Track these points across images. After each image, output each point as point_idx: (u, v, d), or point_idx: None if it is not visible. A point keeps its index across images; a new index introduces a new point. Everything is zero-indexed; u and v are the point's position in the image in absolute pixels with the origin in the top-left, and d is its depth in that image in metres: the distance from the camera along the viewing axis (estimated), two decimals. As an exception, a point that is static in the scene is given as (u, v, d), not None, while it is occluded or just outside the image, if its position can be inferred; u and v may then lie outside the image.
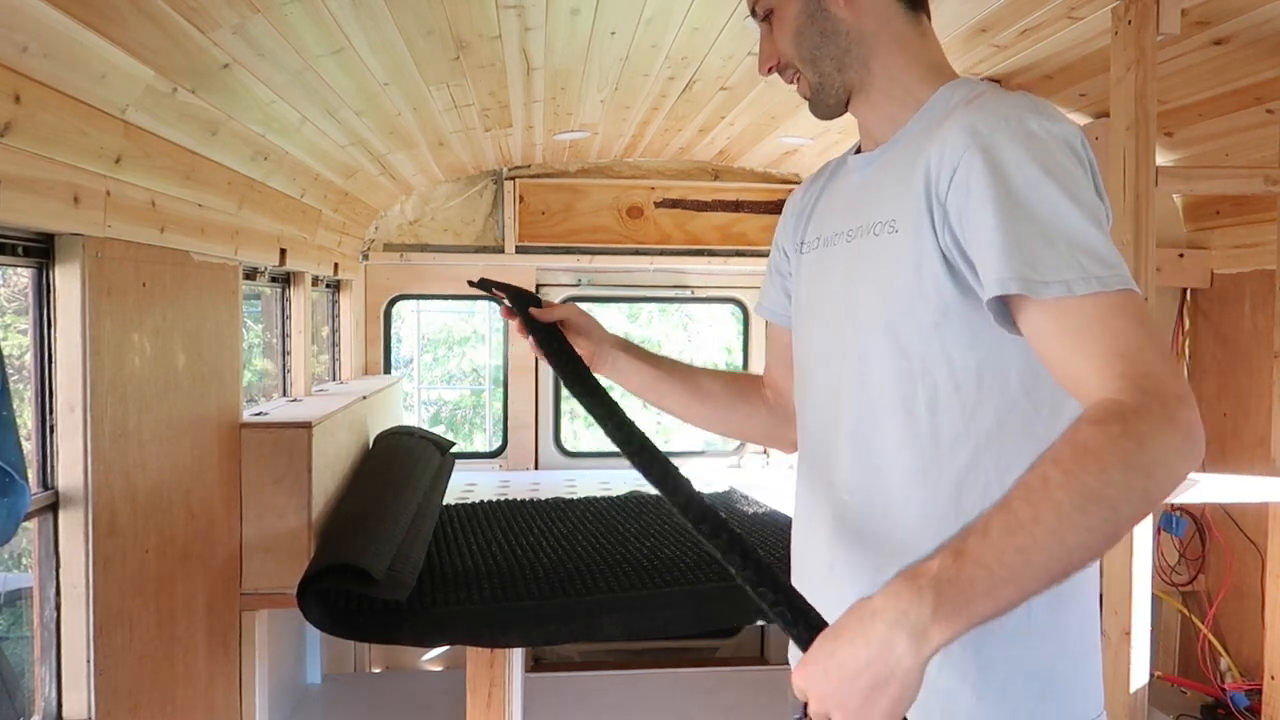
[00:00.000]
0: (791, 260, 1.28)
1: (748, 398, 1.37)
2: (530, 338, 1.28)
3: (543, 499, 3.91)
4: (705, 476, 4.34)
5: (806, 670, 0.81)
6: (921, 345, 1.01)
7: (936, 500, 1.01)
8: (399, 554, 2.72)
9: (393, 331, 4.80)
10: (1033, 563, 0.77)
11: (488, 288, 1.37)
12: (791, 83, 1.15)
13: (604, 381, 1.23)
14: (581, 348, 1.29)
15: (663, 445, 1.08)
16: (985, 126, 0.95)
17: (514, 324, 1.30)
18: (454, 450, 4.16)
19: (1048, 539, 0.77)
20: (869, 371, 1.05)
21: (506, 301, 1.32)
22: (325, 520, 2.86)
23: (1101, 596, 2.31)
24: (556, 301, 4.98)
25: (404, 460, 3.58)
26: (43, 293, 1.79)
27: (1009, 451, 1.00)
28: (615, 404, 1.14)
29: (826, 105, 1.13)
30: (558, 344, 1.27)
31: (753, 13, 1.17)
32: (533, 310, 1.30)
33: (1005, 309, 0.93)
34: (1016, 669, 1.00)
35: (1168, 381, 0.82)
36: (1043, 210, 0.90)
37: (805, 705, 0.84)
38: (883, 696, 0.76)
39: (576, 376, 1.20)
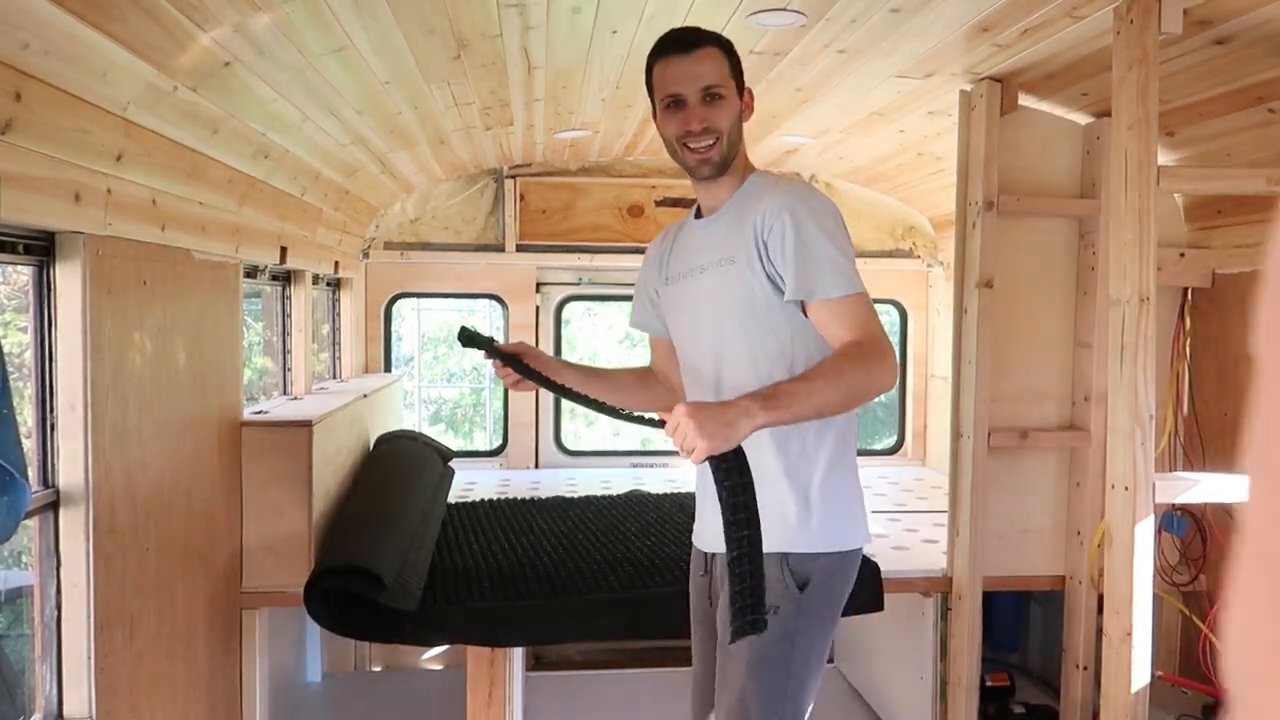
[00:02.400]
0: (660, 292, 1.97)
1: (648, 382, 2.08)
2: (507, 369, 1.85)
3: (543, 498, 3.91)
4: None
5: (690, 409, 1.45)
6: (757, 328, 1.75)
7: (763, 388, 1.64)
8: (406, 562, 2.72)
9: (393, 329, 4.80)
10: (810, 400, 1.54)
11: (473, 342, 1.84)
12: (702, 143, 1.78)
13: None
14: (545, 368, 1.88)
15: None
16: (788, 201, 1.71)
17: (497, 365, 1.87)
18: (454, 448, 4.16)
19: (819, 393, 1.55)
20: (726, 348, 1.79)
21: (491, 353, 1.84)
22: (328, 519, 2.86)
23: (1102, 597, 2.32)
24: (556, 301, 4.95)
25: (409, 466, 3.57)
26: (43, 290, 1.79)
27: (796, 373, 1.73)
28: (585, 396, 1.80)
29: (718, 167, 1.79)
30: (528, 369, 1.83)
31: (704, 94, 1.75)
32: (499, 346, 1.85)
33: (799, 304, 1.71)
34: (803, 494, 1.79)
35: (882, 341, 1.65)
36: (817, 249, 1.67)
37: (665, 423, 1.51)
38: (721, 432, 1.45)
39: (552, 384, 1.82)
